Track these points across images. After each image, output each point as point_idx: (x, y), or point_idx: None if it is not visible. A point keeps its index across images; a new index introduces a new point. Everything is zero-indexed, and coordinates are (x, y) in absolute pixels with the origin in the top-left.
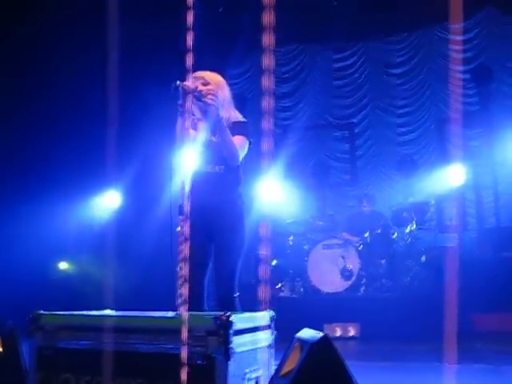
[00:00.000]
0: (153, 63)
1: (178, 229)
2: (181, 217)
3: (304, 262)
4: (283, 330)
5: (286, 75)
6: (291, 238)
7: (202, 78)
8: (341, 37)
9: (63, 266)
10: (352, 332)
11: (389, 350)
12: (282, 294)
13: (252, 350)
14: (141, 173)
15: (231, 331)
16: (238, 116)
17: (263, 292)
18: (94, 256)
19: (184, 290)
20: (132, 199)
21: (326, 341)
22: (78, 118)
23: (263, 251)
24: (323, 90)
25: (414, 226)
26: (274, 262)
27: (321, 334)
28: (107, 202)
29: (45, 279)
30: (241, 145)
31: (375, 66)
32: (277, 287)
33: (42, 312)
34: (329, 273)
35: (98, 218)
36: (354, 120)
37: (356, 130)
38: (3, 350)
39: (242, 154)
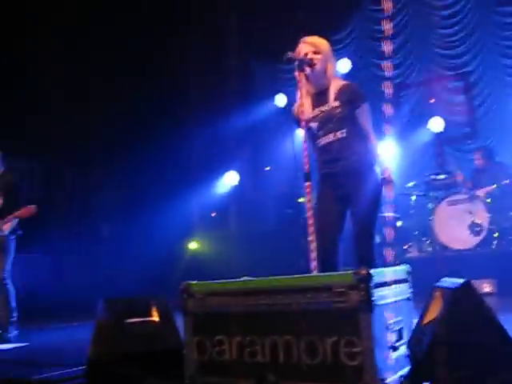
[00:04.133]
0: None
1: (302, 199)
2: (307, 183)
3: (429, 220)
4: (415, 291)
5: (391, 32)
6: (413, 198)
7: (314, 45)
8: None
9: (193, 245)
10: (488, 288)
11: None
12: (409, 255)
13: (393, 302)
14: (255, 152)
15: (372, 284)
16: (342, 82)
17: (390, 253)
18: (219, 232)
19: (317, 252)
20: (249, 177)
21: (468, 286)
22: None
23: (388, 213)
24: (431, 41)
25: None
26: (399, 224)
27: (462, 280)
28: (227, 181)
29: (178, 258)
30: (368, 115)
31: (484, 8)
32: (404, 248)
33: (191, 282)
34: (457, 229)
35: (219, 196)
36: (469, 68)
37: (471, 79)
38: (160, 320)
39: (371, 123)
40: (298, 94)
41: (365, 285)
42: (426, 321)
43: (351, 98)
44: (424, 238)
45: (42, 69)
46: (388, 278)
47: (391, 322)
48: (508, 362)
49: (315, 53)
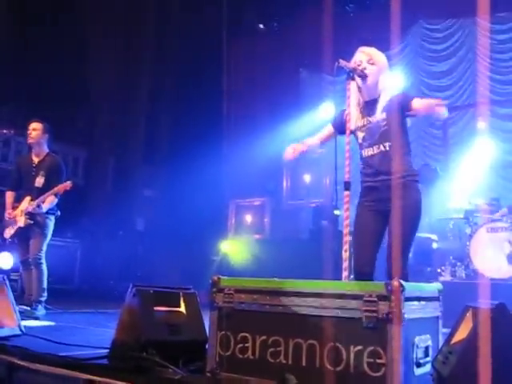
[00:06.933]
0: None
1: (337, 212)
2: (346, 192)
3: (466, 246)
4: (444, 315)
5: (444, 53)
6: (452, 221)
7: (370, 56)
8: (502, 6)
9: (226, 246)
10: None
11: None
12: (442, 279)
13: (422, 318)
14: (297, 162)
15: (402, 297)
16: (393, 94)
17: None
18: (253, 236)
19: (352, 263)
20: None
21: (502, 308)
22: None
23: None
24: (484, 65)
25: None
26: (435, 246)
27: (496, 302)
28: None
29: (211, 256)
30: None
31: None
32: (437, 271)
33: (220, 276)
34: (494, 258)
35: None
36: None
37: None
38: (187, 312)
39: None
40: (347, 103)
41: (396, 296)
42: (454, 340)
43: (401, 99)
44: (459, 263)
45: (97, 64)
46: (419, 294)
47: (418, 337)
48: None
49: (370, 63)
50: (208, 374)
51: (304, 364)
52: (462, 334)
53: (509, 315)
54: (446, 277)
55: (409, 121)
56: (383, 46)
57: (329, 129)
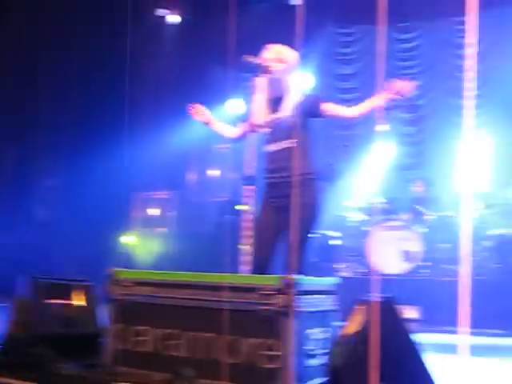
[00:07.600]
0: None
1: (241, 207)
2: (249, 187)
3: (363, 243)
4: (342, 309)
5: (351, 56)
6: (351, 219)
7: (278, 53)
8: (407, 17)
9: (128, 238)
10: (410, 315)
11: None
12: (340, 274)
13: (317, 311)
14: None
15: (297, 291)
16: (301, 94)
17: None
18: (155, 229)
19: (250, 256)
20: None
21: (390, 301)
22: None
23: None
24: (388, 72)
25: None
26: (334, 242)
27: (386, 296)
28: None
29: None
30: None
31: (443, 47)
32: (335, 267)
33: (117, 268)
34: (389, 255)
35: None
36: (421, 102)
37: (422, 113)
38: (82, 304)
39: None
40: (252, 99)
41: (290, 290)
42: (347, 332)
43: (317, 102)
44: (356, 260)
45: None
46: (316, 288)
47: (313, 330)
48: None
49: (278, 61)
50: (103, 369)
51: (201, 356)
52: (354, 326)
53: (394, 307)
54: (345, 272)
55: (315, 121)
56: (292, 47)
57: (242, 126)
